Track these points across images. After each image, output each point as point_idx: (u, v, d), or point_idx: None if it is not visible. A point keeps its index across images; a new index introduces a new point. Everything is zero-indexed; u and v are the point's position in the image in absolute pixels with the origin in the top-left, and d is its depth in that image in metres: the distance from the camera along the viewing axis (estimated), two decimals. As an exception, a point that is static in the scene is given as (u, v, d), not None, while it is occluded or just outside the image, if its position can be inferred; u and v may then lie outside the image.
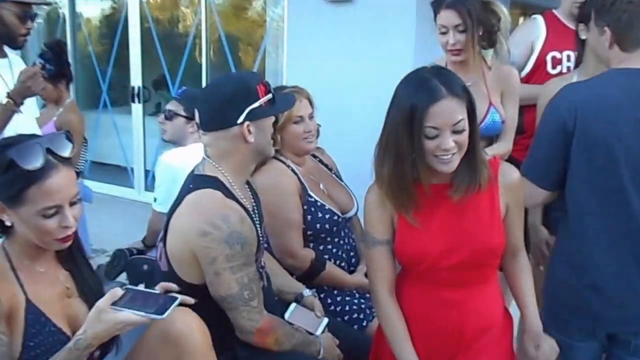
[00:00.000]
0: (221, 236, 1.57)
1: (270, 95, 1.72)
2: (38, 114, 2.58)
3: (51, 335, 1.36)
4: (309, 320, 1.90)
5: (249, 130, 1.67)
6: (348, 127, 3.59)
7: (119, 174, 5.48)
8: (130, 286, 1.42)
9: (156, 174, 2.50)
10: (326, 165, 2.36)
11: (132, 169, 5.40)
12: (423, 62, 2.45)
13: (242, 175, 1.75)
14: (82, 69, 5.79)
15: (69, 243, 1.39)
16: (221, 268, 1.59)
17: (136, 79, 5.13)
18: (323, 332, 1.88)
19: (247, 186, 1.83)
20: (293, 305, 1.93)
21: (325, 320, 1.93)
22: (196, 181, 1.70)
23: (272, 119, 1.77)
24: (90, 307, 1.38)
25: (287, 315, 1.88)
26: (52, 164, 1.32)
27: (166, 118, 2.59)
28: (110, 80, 5.56)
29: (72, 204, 1.35)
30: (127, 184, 5.36)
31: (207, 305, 1.62)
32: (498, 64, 2.32)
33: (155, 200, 2.45)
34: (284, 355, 1.73)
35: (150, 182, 5.14)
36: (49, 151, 1.33)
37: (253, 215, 1.74)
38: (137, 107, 5.19)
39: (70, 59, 3.36)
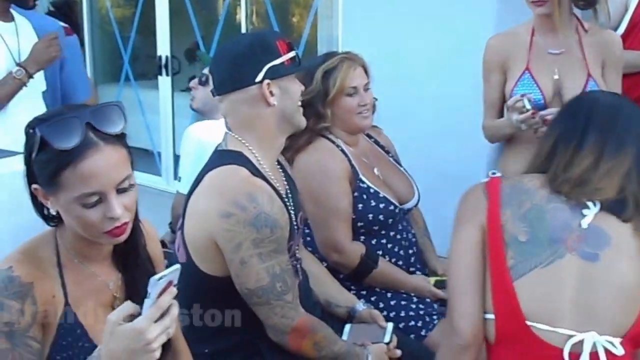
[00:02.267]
0: (247, 218, 1.62)
1: (293, 53, 1.78)
2: (45, 87, 2.73)
3: (83, 352, 1.35)
4: (370, 333, 1.94)
5: (270, 92, 1.74)
6: (411, 104, 3.63)
7: (144, 159, 5.63)
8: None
9: (181, 149, 2.58)
10: (382, 147, 2.42)
11: (159, 154, 5.59)
12: (506, 27, 2.50)
13: (271, 150, 1.82)
14: (100, 36, 6.01)
15: (122, 237, 1.34)
16: (248, 255, 1.64)
17: (163, 47, 5.28)
18: (391, 340, 1.92)
19: (279, 167, 1.90)
20: (348, 326, 1.97)
21: (390, 325, 1.97)
22: (218, 157, 1.78)
23: (299, 84, 1.83)
24: None
25: (344, 338, 1.91)
26: (91, 142, 1.27)
27: (200, 83, 2.68)
28: (134, 49, 5.74)
29: (121, 190, 1.30)
30: (153, 171, 5.55)
31: (231, 302, 1.69)
32: (597, 27, 2.33)
33: (179, 179, 2.55)
34: None
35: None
36: (89, 127, 1.28)
37: (286, 201, 1.80)
38: (164, 81, 5.36)
39: (85, 24, 3.53)
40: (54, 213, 1.34)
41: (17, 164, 1.41)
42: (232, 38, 1.85)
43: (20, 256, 1.36)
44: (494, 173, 2.25)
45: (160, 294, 1.18)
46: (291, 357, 1.79)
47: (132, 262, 1.45)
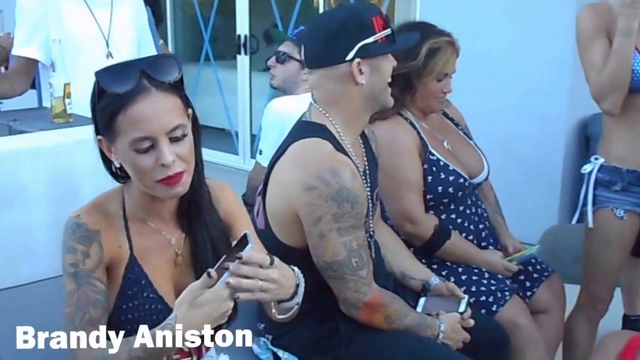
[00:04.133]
0: (329, 192, 1.64)
1: (389, 31, 1.75)
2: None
3: (149, 302, 1.40)
4: (445, 306, 1.92)
5: (360, 70, 1.72)
6: (487, 84, 3.57)
7: (222, 138, 5.78)
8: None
9: (262, 123, 2.63)
10: (452, 120, 2.38)
11: (236, 133, 5.69)
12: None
13: (354, 126, 1.81)
14: (182, 17, 6.15)
15: (177, 188, 1.35)
16: (327, 229, 1.66)
17: (243, 27, 5.35)
18: (465, 310, 1.90)
19: (361, 142, 1.89)
20: (423, 299, 1.97)
21: (466, 297, 1.96)
22: (302, 129, 1.78)
23: (391, 60, 1.80)
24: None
25: (418, 309, 1.91)
26: (143, 87, 1.30)
27: (277, 61, 2.71)
28: (214, 29, 5.84)
29: (173, 139, 1.32)
30: (230, 149, 5.66)
31: (306, 272, 1.71)
32: None
33: (260, 152, 2.59)
34: (393, 336, 1.79)
35: (256, 148, 5.39)
36: (143, 74, 1.31)
37: (363, 178, 1.79)
38: (243, 60, 5.44)
39: (168, 5, 3.60)
40: (118, 166, 1.38)
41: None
42: (329, 10, 1.80)
43: (88, 207, 1.43)
44: (596, 158, 2.18)
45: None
46: (362, 326, 1.79)
47: (195, 222, 1.47)
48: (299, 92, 2.65)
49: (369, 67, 1.74)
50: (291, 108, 2.40)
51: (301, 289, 1.42)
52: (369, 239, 1.85)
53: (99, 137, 1.37)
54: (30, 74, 2.64)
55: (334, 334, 1.81)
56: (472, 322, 1.88)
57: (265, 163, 2.45)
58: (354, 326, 1.79)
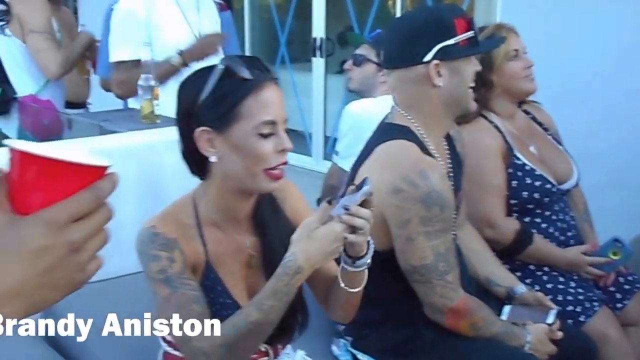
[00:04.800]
0: (418, 195, 1.61)
1: (471, 33, 1.71)
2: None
3: (224, 308, 1.42)
4: (531, 315, 1.86)
5: (438, 72, 1.69)
6: (573, 90, 3.46)
7: (296, 140, 5.82)
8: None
9: (340, 125, 2.64)
10: (540, 124, 2.32)
11: (310, 135, 5.73)
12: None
13: (436, 129, 1.78)
14: (259, 20, 6.23)
15: (276, 183, 1.40)
16: (415, 232, 1.63)
17: (318, 30, 5.38)
18: (554, 322, 1.84)
19: (445, 144, 1.86)
20: (508, 307, 1.92)
21: (555, 309, 1.89)
22: (386, 131, 1.77)
23: (475, 64, 1.76)
24: None
25: (502, 317, 1.86)
26: (266, 76, 1.38)
27: (354, 64, 2.71)
28: (290, 32, 5.90)
29: (284, 130, 1.39)
30: (304, 151, 5.70)
31: (389, 276, 1.68)
32: None
33: (336, 153, 2.60)
34: (477, 344, 1.75)
35: (330, 150, 5.42)
36: (260, 65, 1.39)
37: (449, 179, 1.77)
38: (318, 62, 5.47)
39: (246, 9, 3.65)
40: (214, 160, 1.39)
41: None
42: (411, 11, 1.80)
43: (161, 217, 1.44)
44: None
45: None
46: (445, 331, 1.76)
47: (268, 224, 1.51)
48: (376, 95, 2.64)
49: (448, 70, 1.70)
50: (369, 110, 2.41)
51: (371, 249, 1.41)
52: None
53: (202, 129, 1.37)
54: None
55: (415, 338, 1.79)
56: (560, 334, 1.82)
57: (341, 164, 2.51)
58: (437, 332, 1.76)
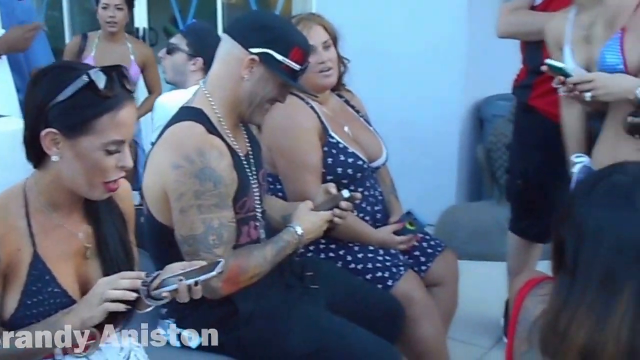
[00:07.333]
0: (193, 170, 1.67)
1: (297, 67, 1.77)
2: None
3: (53, 296, 1.42)
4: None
5: (251, 68, 1.75)
6: (386, 74, 3.66)
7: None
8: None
9: (153, 118, 2.65)
10: (353, 107, 2.45)
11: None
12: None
13: (233, 113, 1.83)
14: (78, 6, 5.96)
15: (112, 192, 1.46)
16: (188, 205, 1.68)
17: (141, 20, 5.25)
18: (350, 197, 1.90)
19: (242, 128, 1.92)
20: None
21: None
22: (179, 114, 1.82)
23: (282, 92, 1.81)
24: (107, 272, 1.46)
25: None
26: (126, 94, 1.39)
27: (167, 52, 2.73)
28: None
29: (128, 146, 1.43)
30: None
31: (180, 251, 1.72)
32: None
33: (152, 144, 2.58)
34: (290, 314, 1.85)
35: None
36: (125, 80, 1.40)
37: (244, 161, 1.83)
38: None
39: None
40: (56, 159, 1.38)
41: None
42: (275, 13, 1.86)
43: None
44: (579, 156, 2.06)
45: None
46: (262, 305, 1.84)
47: (103, 216, 1.53)
48: (188, 86, 2.67)
49: (260, 74, 1.77)
50: (178, 101, 2.36)
51: None
52: (260, 217, 1.89)
53: (51, 130, 1.35)
54: None
55: (233, 314, 1.83)
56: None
57: None
58: (252, 306, 1.83)
